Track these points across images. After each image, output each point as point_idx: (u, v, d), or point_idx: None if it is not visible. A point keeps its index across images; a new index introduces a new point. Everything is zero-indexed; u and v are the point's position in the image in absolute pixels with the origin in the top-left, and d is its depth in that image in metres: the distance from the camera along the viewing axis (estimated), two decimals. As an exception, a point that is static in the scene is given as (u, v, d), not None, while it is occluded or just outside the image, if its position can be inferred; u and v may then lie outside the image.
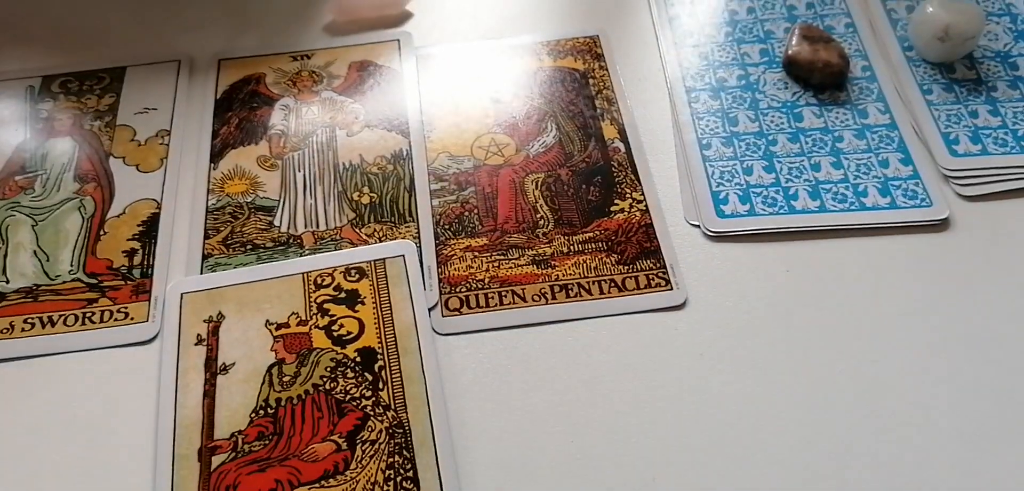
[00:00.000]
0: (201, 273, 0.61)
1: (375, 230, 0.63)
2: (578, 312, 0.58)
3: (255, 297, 0.59)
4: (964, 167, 0.65)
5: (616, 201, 0.64)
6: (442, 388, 0.54)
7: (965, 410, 0.54)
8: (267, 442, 0.52)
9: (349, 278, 0.60)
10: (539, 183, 0.65)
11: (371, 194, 0.65)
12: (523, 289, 0.59)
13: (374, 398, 0.54)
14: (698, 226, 0.63)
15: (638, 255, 0.61)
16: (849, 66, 0.71)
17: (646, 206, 0.64)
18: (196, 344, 0.57)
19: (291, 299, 0.59)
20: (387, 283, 0.59)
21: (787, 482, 0.51)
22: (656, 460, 0.52)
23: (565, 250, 0.61)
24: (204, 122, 0.70)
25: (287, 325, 0.57)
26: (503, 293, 0.59)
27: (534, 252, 0.61)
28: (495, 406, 0.54)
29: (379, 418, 0.53)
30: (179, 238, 0.63)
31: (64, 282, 0.61)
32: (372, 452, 0.52)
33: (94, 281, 0.61)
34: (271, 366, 0.56)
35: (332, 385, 0.55)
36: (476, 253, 0.61)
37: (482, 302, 0.59)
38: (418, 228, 0.63)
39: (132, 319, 0.59)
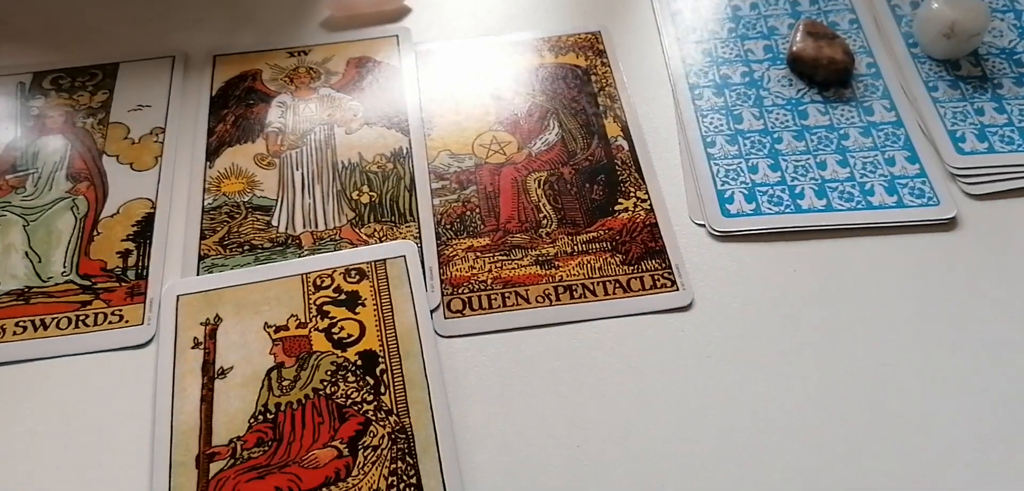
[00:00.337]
0: (197, 274, 0.60)
1: (375, 230, 0.62)
2: (583, 314, 0.57)
3: (253, 299, 0.58)
4: (971, 165, 0.64)
5: (620, 200, 0.63)
6: (445, 392, 0.54)
7: (974, 411, 0.53)
8: (266, 448, 0.51)
9: (349, 279, 0.59)
10: (542, 182, 0.64)
11: (371, 193, 0.64)
12: (527, 290, 0.58)
13: (376, 402, 0.53)
14: (703, 225, 0.62)
15: (643, 255, 0.60)
16: (854, 63, 0.70)
17: (650, 205, 0.63)
18: (193, 347, 0.56)
19: (290, 301, 0.58)
20: (388, 284, 0.58)
21: (797, 485, 0.50)
22: (664, 465, 0.51)
23: (569, 250, 0.60)
24: (199, 119, 0.69)
25: (286, 328, 0.56)
26: (506, 294, 0.58)
27: (537, 252, 0.60)
28: (499, 410, 0.53)
29: (381, 423, 0.52)
30: (175, 238, 0.62)
31: (57, 284, 0.59)
32: (374, 458, 0.51)
33: (87, 283, 0.59)
34: (270, 370, 0.55)
35: (333, 389, 0.54)
36: (478, 253, 0.60)
37: (485, 304, 0.58)
38: (419, 228, 0.62)
39: (127, 322, 0.57)
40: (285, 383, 0.54)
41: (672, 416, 0.53)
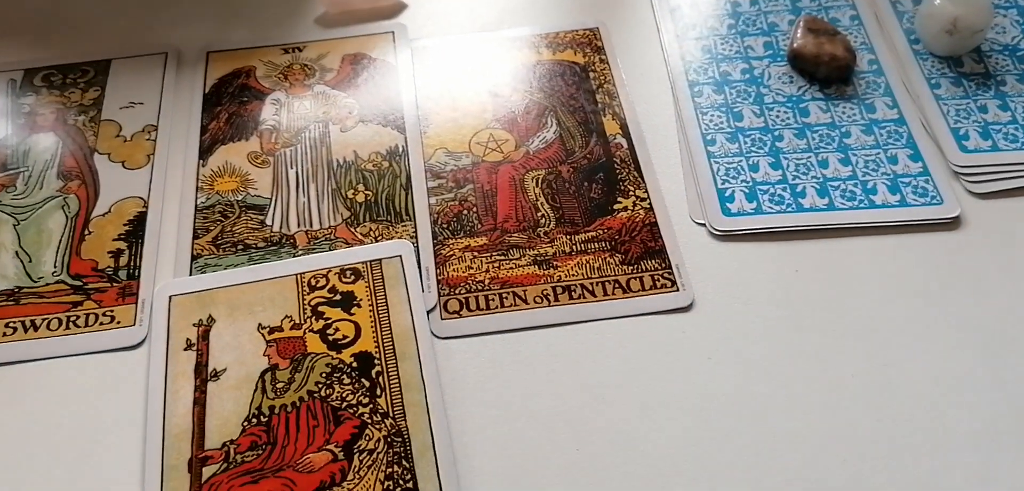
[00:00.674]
0: (190, 274, 0.59)
1: (371, 229, 0.61)
2: (582, 314, 0.57)
3: (247, 300, 0.57)
4: (975, 163, 0.64)
5: (619, 199, 0.62)
6: (442, 394, 0.53)
7: (979, 412, 0.52)
8: (260, 452, 0.51)
9: (344, 279, 0.58)
10: (540, 180, 0.64)
11: (366, 192, 0.63)
12: (524, 290, 0.58)
13: (372, 405, 0.52)
14: (704, 225, 0.61)
15: (642, 255, 0.59)
16: (855, 60, 0.70)
17: (650, 204, 0.62)
18: (185, 349, 0.55)
19: (284, 302, 0.57)
20: (384, 284, 0.57)
21: (800, 487, 0.50)
22: (665, 467, 0.50)
23: (567, 250, 0.60)
24: (192, 117, 0.68)
25: (280, 329, 0.56)
26: (504, 295, 0.57)
27: (535, 252, 0.60)
28: (497, 412, 0.53)
29: (377, 426, 0.51)
30: (167, 238, 0.61)
31: (47, 284, 0.59)
32: (370, 462, 0.50)
33: (79, 283, 0.59)
34: (264, 372, 0.54)
35: (328, 392, 0.53)
36: (476, 253, 0.60)
37: (482, 304, 0.57)
38: (415, 227, 0.61)
39: (118, 323, 0.57)
40: (279, 385, 0.53)
41: (673, 419, 0.52)
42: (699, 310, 0.57)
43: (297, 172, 0.64)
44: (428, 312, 0.56)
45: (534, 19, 0.75)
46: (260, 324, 0.56)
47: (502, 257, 0.59)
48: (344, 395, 0.53)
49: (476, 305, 0.57)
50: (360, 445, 0.51)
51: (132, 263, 0.60)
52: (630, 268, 0.59)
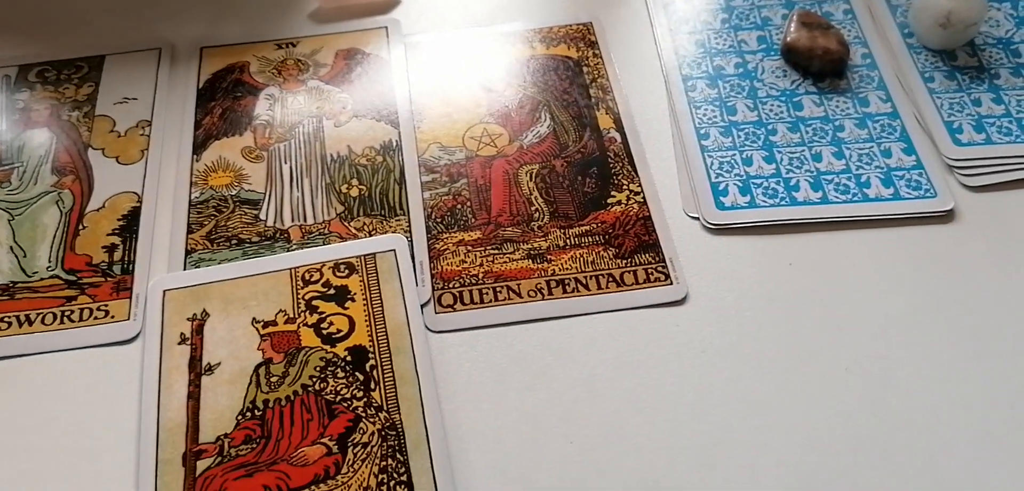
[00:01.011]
0: (184, 269, 0.59)
1: (365, 224, 0.61)
2: (575, 308, 0.57)
3: (241, 294, 0.57)
4: (968, 157, 0.64)
5: (613, 193, 0.62)
6: (436, 388, 0.53)
7: (973, 405, 0.52)
8: (254, 446, 0.51)
9: (338, 274, 0.58)
10: (533, 174, 0.64)
11: (360, 186, 0.63)
12: (518, 284, 0.58)
13: (366, 399, 0.52)
14: (697, 218, 0.61)
15: (636, 249, 0.59)
16: (849, 53, 0.70)
17: (644, 198, 0.62)
18: (179, 343, 0.55)
19: (278, 296, 0.57)
20: (378, 279, 0.57)
21: (793, 482, 0.50)
22: (658, 461, 0.50)
23: (561, 244, 0.60)
24: (186, 112, 0.68)
25: (274, 323, 0.56)
26: (498, 289, 0.58)
27: (529, 246, 0.60)
28: (491, 406, 0.53)
29: (371, 420, 0.51)
30: (161, 233, 0.61)
31: (41, 279, 0.59)
32: (364, 455, 0.50)
33: (73, 278, 0.59)
34: (258, 366, 0.54)
35: (322, 385, 0.53)
36: (469, 247, 0.60)
37: (476, 298, 0.57)
38: (409, 222, 0.61)
39: (113, 317, 0.57)
40: (273, 379, 0.53)
41: (666, 412, 0.52)
42: (693, 304, 0.57)
43: (291, 167, 0.64)
44: (422, 306, 0.56)
45: (527, 14, 0.75)
46: (254, 318, 0.56)
47: (496, 251, 0.59)
48: (338, 389, 0.53)
49: (470, 299, 0.57)
50: (354, 439, 0.51)
51: (126, 258, 0.59)
52: (624, 262, 0.59)
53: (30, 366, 0.55)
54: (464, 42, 0.73)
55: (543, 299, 0.57)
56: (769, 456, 0.51)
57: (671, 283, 0.58)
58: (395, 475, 0.49)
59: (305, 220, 0.61)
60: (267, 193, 0.63)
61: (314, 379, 0.53)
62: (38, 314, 0.57)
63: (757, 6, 0.75)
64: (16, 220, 0.62)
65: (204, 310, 0.56)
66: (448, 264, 0.59)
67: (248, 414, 0.52)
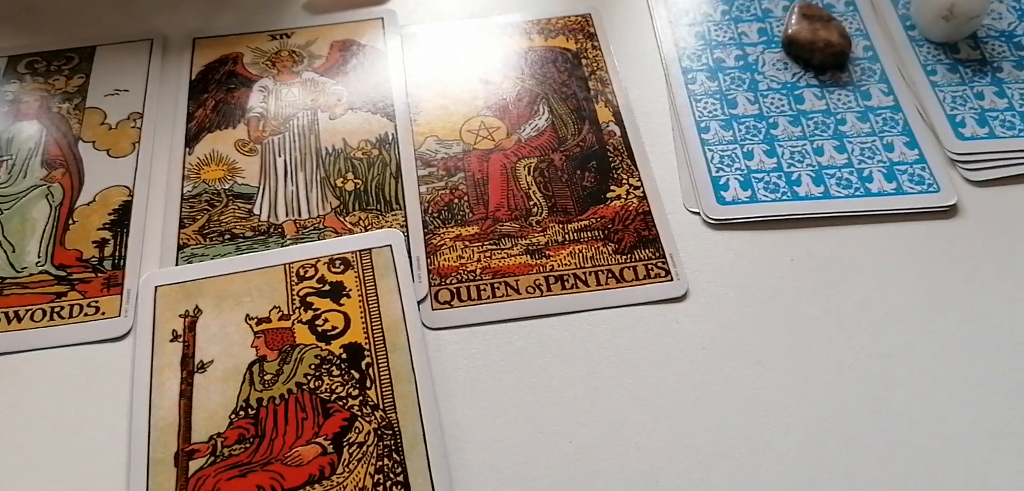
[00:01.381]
0: (176, 264, 0.58)
1: (360, 218, 0.60)
2: (574, 305, 0.56)
3: (234, 290, 0.56)
4: (971, 151, 0.63)
5: (612, 187, 0.62)
6: (433, 386, 0.52)
7: (975, 401, 0.52)
8: (248, 445, 0.50)
9: (333, 269, 0.57)
10: (532, 168, 0.63)
11: (355, 180, 0.62)
12: (516, 280, 0.57)
13: (361, 397, 0.51)
14: (698, 213, 0.60)
15: (636, 244, 0.59)
16: (851, 46, 0.69)
17: (643, 192, 0.61)
18: (171, 340, 0.54)
19: (272, 292, 0.56)
20: (373, 274, 0.57)
21: (795, 480, 0.49)
22: (658, 460, 0.50)
23: (560, 239, 0.59)
24: (178, 104, 0.67)
25: (268, 320, 0.55)
26: (496, 285, 0.57)
27: (527, 241, 0.59)
28: (489, 405, 0.52)
29: (367, 419, 0.51)
30: (153, 227, 0.60)
31: (31, 274, 0.58)
32: (360, 455, 0.49)
33: (63, 273, 0.58)
34: (252, 364, 0.53)
35: (317, 384, 0.52)
36: (467, 242, 0.59)
37: (474, 294, 0.56)
38: (405, 216, 0.60)
39: (103, 314, 0.56)
40: (267, 377, 0.52)
41: (666, 410, 0.52)
42: (693, 300, 0.56)
43: (285, 160, 0.63)
44: (419, 302, 0.56)
45: (525, 5, 0.74)
46: (248, 315, 0.55)
47: (494, 246, 0.59)
48: (333, 387, 0.52)
49: (467, 295, 0.56)
50: (350, 438, 0.50)
51: (117, 253, 0.59)
52: (623, 257, 0.58)
53: (18, 364, 0.54)
54: (461, 34, 0.72)
55: (541, 295, 0.56)
56: (770, 453, 0.50)
57: (671, 279, 0.57)
58: (391, 475, 0.49)
59: (299, 215, 0.61)
60: (261, 187, 0.62)
61: (309, 377, 0.52)
62: (27, 310, 0.56)
63: (757, -2, 0.74)
64: (5, 214, 0.61)
65: (197, 306, 0.55)
66: (445, 260, 0.58)
67: (241, 413, 0.51)
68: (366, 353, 0.53)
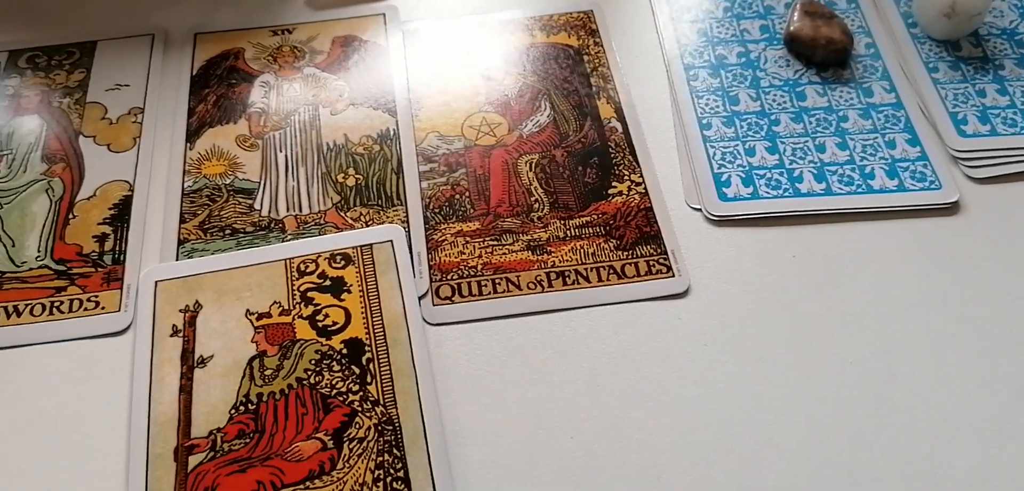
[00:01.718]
0: (177, 259, 0.58)
1: (361, 214, 0.60)
2: (576, 301, 0.56)
3: (234, 285, 0.56)
4: (973, 148, 0.63)
5: (614, 183, 0.61)
6: (433, 382, 0.52)
7: (978, 398, 0.52)
8: (248, 440, 0.50)
9: (334, 265, 0.57)
10: (533, 164, 0.63)
11: (357, 176, 0.62)
12: (518, 276, 0.57)
13: (362, 393, 0.51)
14: (700, 209, 0.60)
15: (638, 240, 0.58)
16: (853, 43, 0.69)
17: (645, 189, 0.61)
18: (171, 335, 0.54)
19: (273, 287, 0.56)
20: (374, 270, 0.56)
21: (796, 476, 0.49)
22: (659, 456, 0.50)
23: (561, 235, 0.59)
24: (179, 99, 0.67)
25: (269, 315, 0.55)
26: (497, 280, 0.57)
27: (529, 237, 0.59)
28: (490, 400, 0.52)
29: (367, 414, 0.50)
30: (153, 222, 0.60)
31: (31, 269, 0.57)
32: (360, 451, 0.49)
33: (63, 268, 0.57)
34: (252, 359, 0.53)
35: (317, 379, 0.52)
36: (468, 238, 0.59)
37: (475, 290, 0.56)
38: (407, 212, 0.60)
39: (103, 309, 0.56)
40: (267, 372, 0.52)
41: (668, 406, 0.51)
42: (695, 296, 0.56)
43: (286, 156, 0.63)
44: (420, 298, 0.56)
45: (527, 2, 0.74)
46: (248, 310, 0.55)
47: (495, 242, 0.58)
48: (334, 382, 0.52)
49: (468, 291, 0.56)
50: (350, 433, 0.50)
51: (117, 248, 0.58)
52: (625, 254, 0.58)
53: (18, 358, 0.54)
54: (463, 29, 0.72)
55: (543, 291, 0.56)
56: (772, 450, 0.50)
57: (673, 275, 0.57)
58: (392, 471, 0.48)
59: (300, 210, 0.60)
60: (262, 182, 0.62)
61: (309, 372, 0.52)
62: (27, 305, 0.56)
63: (759, -5, 0.74)
64: (5, 209, 0.61)
65: (197, 301, 0.55)
66: (446, 255, 0.58)
67: (241, 408, 0.51)
68: (367, 348, 0.53)
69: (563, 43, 0.70)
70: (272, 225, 0.60)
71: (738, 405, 0.52)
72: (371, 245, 0.58)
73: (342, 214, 0.60)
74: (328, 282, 0.56)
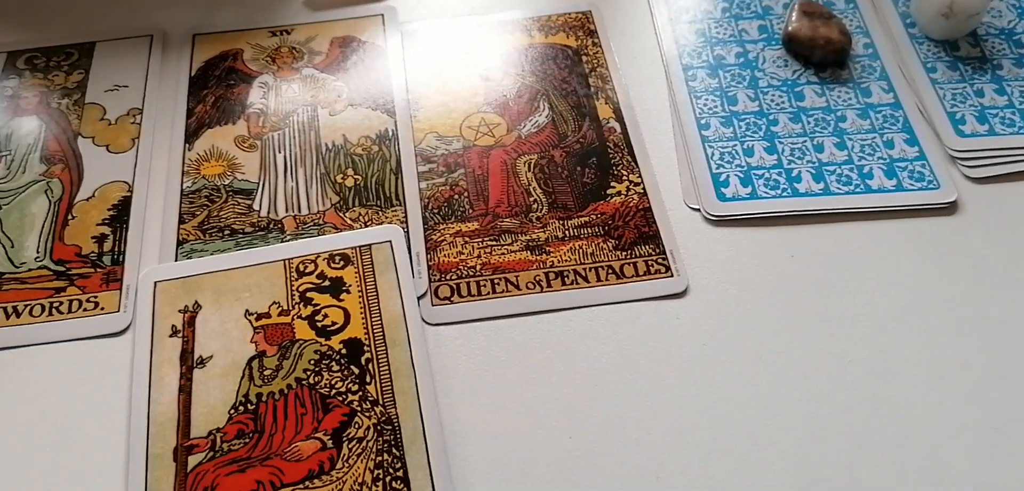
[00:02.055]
0: (176, 260, 0.58)
1: (360, 214, 0.60)
2: (574, 300, 0.56)
3: (233, 285, 0.56)
4: (971, 148, 0.63)
5: (612, 183, 0.61)
6: (433, 381, 0.52)
7: (976, 398, 0.52)
8: (247, 440, 0.50)
9: (333, 265, 0.57)
10: (532, 165, 0.63)
11: (355, 176, 0.62)
12: (516, 276, 0.57)
13: (361, 393, 0.51)
14: (698, 210, 0.60)
15: (636, 240, 0.58)
16: (851, 43, 0.69)
17: (644, 189, 0.61)
18: (171, 336, 0.54)
19: (272, 288, 0.56)
20: (373, 270, 0.56)
21: (795, 477, 0.49)
22: (658, 456, 0.50)
23: (560, 235, 0.59)
24: (178, 100, 0.67)
25: (268, 315, 0.55)
26: (495, 280, 0.57)
27: (527, 237, 0.59)
28: (489, 400, 0.52)
29: (366, 414, 0.50)
30: (152, 223, 0.60)
31: (30, 270, 0.57)
32: (359, 450, 0.49)
33: (62, 269, 0.57)
34: (251, 359, 0.53)
35: (316, 379, 0.52)
36: (467, 238, 0.59)
37: (474, 290, 0.56)
38: (405, 212, 0.60)
39: (102, 309, 0.56)
40: (267, 373, 0.52)
41: (667, 406, 0.51)
42: (693, 296, 0.56)
43: (285, 156, 0.63)
44: (418, 298, 0.56)
45: (526, 2, 0.74)
46: (247, 310, 0.55)
47: (494, 242, 0.58)
48: (333, 382, 0.52)
49: (467, 291, 0.56)
50: (349, 433, 0.50)
51: (116, 248, 0.58)
52: (624, 254, 0.58)
53: (18, 359, 0.54)
54: (461, 30, 0.72)
55: (542, 291, 0.56)
56: (770, 449, 0.50)
57: (672, 275, 0.57)
58: (391, 470, 0.49)
59: (299, 210, 0.60)
60: (260, 183, 0.62)
61: (308, 372, 0.52)
62: (26, 305, 0.56)
63: (758, -5, 0.74)
64: (4, 210, 0.61)
65: (196, 302, 0.55)
66: (445, 255, 0.58)
67: (241, 408, 0.51)
68: (366, 348, 0.53)
69: (562, 44, 0.70)
70: (271, 225, 0.60)
71: (737, 405, 0.52)
72: (370, 245, 0.58)
73: (341, 215, 0.60)
74: (327, 282, 0.56)
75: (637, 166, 0.62)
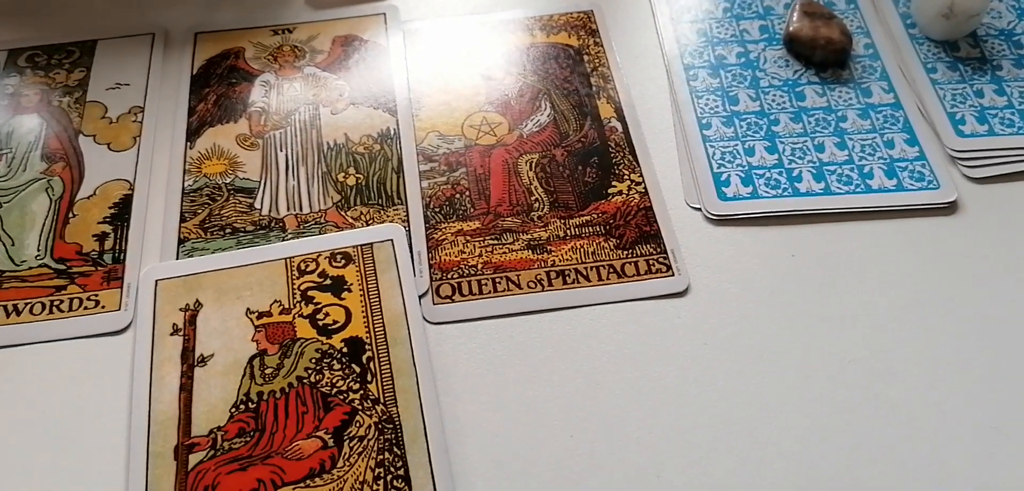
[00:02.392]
0: (177, 258, 0.58)
1: (362, 213, 0.60)
2: (576, 299, 0.56)
3: (235, 284, 0.56)
4: (971, 148, 0.63)
5: (614, 183, 0.62)
6: (434, 380, 0.52)
7: (976, 398, 0.52)
8: (248, 439, 0.50)
9: (334, 264, 0.57)
10: (533, 164, 0.63)
11: (357, 175, 0.62)
12: (518, 275, 0.57)
13: (362, 391, 0.51)
14: (699, 209, 0.60)
15: (637, 239, 0.58)
16: (852, 43, 0.69)
17: (645, 188, 0.61)
18: (172, 334, 0.54)
19: (273, 286, 0.56)
20: (375, 269, 0.56)
21: (796, 475, 0.49)
22: (659, 455, 0.50)
23: (561, 234, 0.59)
24: (180, 99, 0.67)
25: (269, 314, 0.55)
26: (497, 279, 0.57)
27: (529, 236, 0.59)
28: (490, 399, 0.52)
29: (367, 412, 0.50)
30: (153, 221, 0.60)
31: (30, 268, 0.57)
32: (360, 449, 0.49)
33: (62, 267, 0.57)
34: (252, 357, 0.53)
35: (317, 377, 0.52)
36: (468, 237, 0.59)
37: (475, 289, 0.56)
38: (407, 211, 0.60)
39: (103, 307, 0.56)
40: (268, 371, 0.52)
41: (667, 405, 0.52)
42: (694, 295, 0.56)
43: (287, 155, 0.63)
44: (420, 297, 0.56)
45: (527, 2, 0.74)
46: (248, 309, 0.55)
47: (495, 241, 0.59)
48: (334, 381, 0.52)
49: (469, 290, 0.56)
50: (350, 432, 0.50)
51: (117, 247, 0.58)
52: (625, 253, 0.58)
53: (18, 357, 0.54)
54: (463, 29, 0.72)
55: (543, 290, 0.56)
56: (771, 449, 0.50)
57: (673, 274, 0.57)
58: (392, 469, 0.49)
59: (301, 209, 0.60)
60: (262, 181, 0.62)
61: (309, 371, 0.52)
62: (27, 304, 0.56)
63: (758, -5, 0.74)
64: (4, 208, 0.61)
65: (197, 300, 0.55)
66: (446, 254, 0.58)
67: (242, 406, 0.51)
68: (367, 347, 0.53)
69: (563, 43, 0.71)
70: (272, 224, 0.60)
71: (737, 404, 0.52)
72: (371, 244, 0.58)
73: (342, 213, 0.60)
74: (328, 281, 0.56)
75: (638, 165, 0.62)
